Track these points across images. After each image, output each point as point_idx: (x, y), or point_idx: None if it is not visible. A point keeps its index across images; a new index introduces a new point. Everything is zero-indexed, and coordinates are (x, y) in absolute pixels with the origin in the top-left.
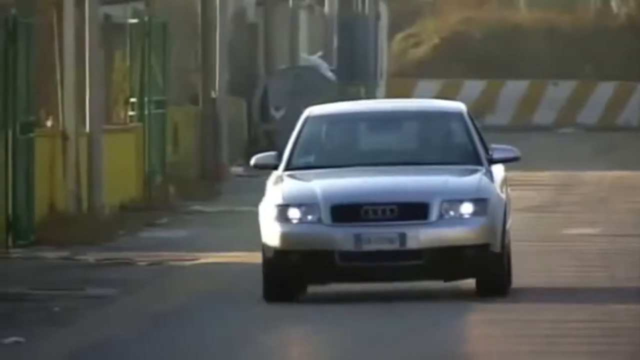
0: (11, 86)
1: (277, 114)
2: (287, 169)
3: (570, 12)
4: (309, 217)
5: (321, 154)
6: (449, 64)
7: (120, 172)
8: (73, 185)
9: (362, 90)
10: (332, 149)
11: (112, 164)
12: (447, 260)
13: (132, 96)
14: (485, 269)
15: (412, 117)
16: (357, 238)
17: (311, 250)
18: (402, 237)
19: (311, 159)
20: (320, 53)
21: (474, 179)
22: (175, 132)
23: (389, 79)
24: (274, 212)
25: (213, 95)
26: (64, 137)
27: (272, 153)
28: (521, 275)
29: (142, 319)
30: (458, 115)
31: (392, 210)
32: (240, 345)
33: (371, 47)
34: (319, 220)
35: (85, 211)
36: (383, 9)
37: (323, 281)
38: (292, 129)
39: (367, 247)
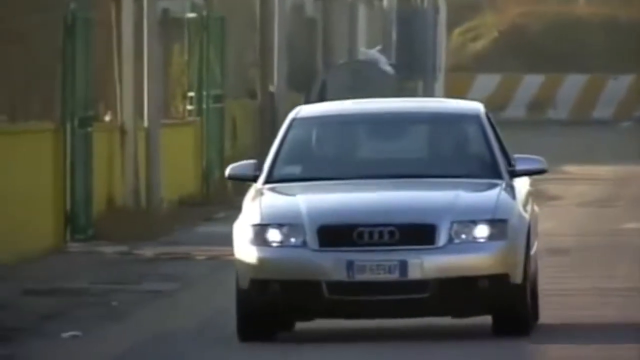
0: (70, 81)
1: None
2: (267, 181)
3: (629, 4)
4: (292, 240)
5: (309, 164)
6: (507, 58)
7: (178, 167)
8: (131, 179)
9: (421, 84)
10: (322, 158)
11: (170, 158)
12: (457, 294)
13: (190, 90)
14: (503, 303)
15: (419, 120)
16: (349, 266)
17: (294, 280)
18: (403, 266)
19: (297, 170)
20: (378, 47)
21: (491, 196)
22: (233, 126)
23: (448, 73)
24: (249, 233)
25: (271, 89)
26: (122, 132)
27: (251, 162)
28: (571, 274)
29: (199, 313)
30: (474, 118)
31: (391, 233)
32: (300, 340)
33: (430, 41)
34: (304, 244)
35: (143, 206)
36: (442, 2)
37: (308, 317)
38: None
39: (360, 277)
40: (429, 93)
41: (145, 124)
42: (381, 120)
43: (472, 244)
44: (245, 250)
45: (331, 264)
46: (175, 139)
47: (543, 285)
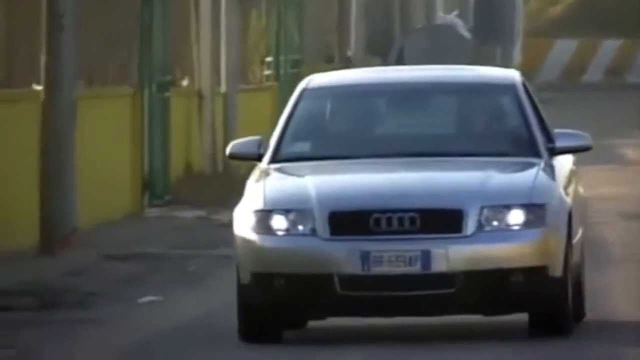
0: (147, 45)
1: None
2: (274, 160)
3: None
4: (300, 228)
5: (321, 141)
6: (585, 23)
7: (256, 132)
8: (208, 145)
9: (498, 50)
10: (335, 134)
11: (247, 123)
12: (487, 288)
13: (267, 55)
14: (540, 299)
15: (447, 91)
16: (365, 257)
17: (302, 273)
18: (426, 257)
19: (307, 148)
20: (456, 12)
21: (527, 177)
22: None
23: (526, 39)
24: (252, 220)
25: (349, 54)
26: (200, 97)
27: (255, 138)
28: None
29: None
30: (510, 88)
31: (412, 220)
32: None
33: (508, 6)
34: (313, 232)
35: (220, 171)
36: None
37: (318, 315)
38: None
39: (377, 270)
40: (507, 58)
41: (223, 89)
42: (403, 91)
43: (505, 232)
44: (246, 240)
45: (344, 255)
46: (253, 104)
47: (615, 249)
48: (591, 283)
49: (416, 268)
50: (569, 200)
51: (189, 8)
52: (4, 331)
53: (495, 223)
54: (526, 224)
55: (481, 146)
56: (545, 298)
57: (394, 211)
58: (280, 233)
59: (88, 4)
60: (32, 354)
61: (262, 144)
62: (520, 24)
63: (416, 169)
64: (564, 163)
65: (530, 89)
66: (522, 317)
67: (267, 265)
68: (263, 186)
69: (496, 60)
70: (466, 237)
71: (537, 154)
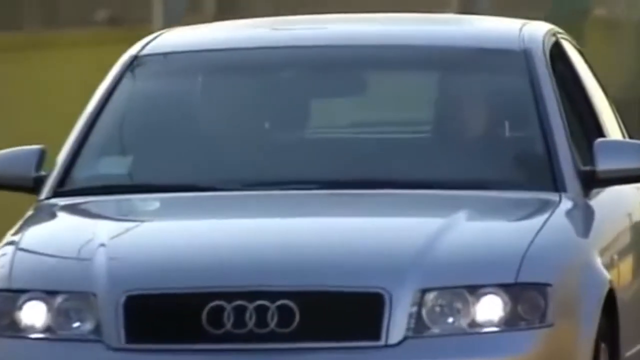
0: None
1: None
2: (58, 191)
3: None
4: (74, 326)
5: (156, 157)
6: None
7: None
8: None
9: None
10: (185, 144)
11: None
12: None
13: None
14: None
15: (402, 62)
16: None
17: None
18: None
19: (124, 169)
20: None
21: (521, 231)
22: None
23: None
24: None
25: None
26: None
27: (32, 148)
28: None
29: None
30: (516, 57)
31: (285, 313)
32: None
33: None
34: (97, 335)
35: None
36: None
37: None
38: None
39: None
40: None
41: None
42: (321, 61)
43: (468, 339)
44: None
45: None
46: None
47: None
48: None
49: None
50: (607, 274)
51: None
52: None
53: (449, 320)
54: (510, 323)
55: (454, 168)
56: None
57: (251, 296)
58: (35, 335)
59: None
60: None
61: (41, 161)
62: None
63: (315, 213)
64: (620, 197)
65: (573, 55)
66: None
67: None
68: (14, 245)
69: None
70: (389, 347)
71: (557, 185)
